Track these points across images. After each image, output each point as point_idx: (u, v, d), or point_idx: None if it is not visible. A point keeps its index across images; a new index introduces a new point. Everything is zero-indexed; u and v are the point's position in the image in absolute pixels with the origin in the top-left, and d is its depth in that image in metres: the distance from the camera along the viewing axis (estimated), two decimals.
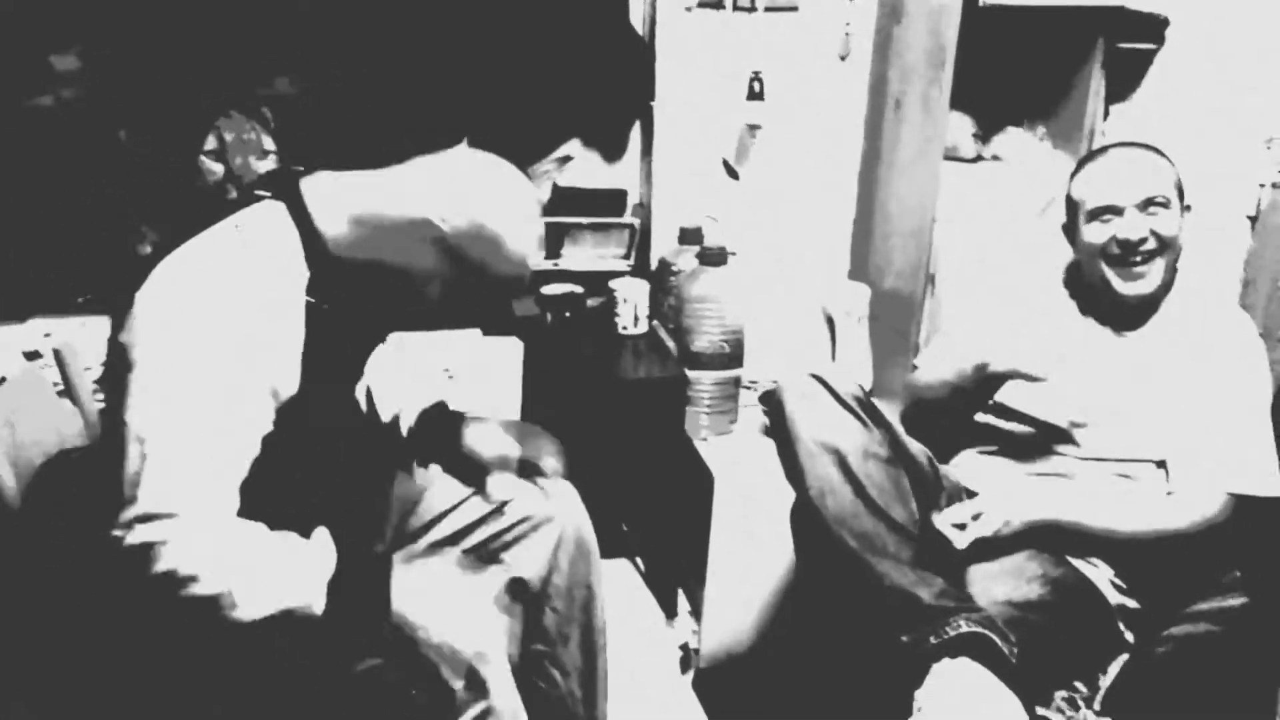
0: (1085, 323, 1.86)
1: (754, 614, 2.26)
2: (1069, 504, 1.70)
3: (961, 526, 1.65)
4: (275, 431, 1.26)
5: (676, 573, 2.43)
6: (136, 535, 1.16)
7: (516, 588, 1.66)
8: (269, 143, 2.31)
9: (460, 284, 1.33)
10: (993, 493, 1.70)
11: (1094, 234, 1.76)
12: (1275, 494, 1.70)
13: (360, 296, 1.33)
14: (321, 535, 1.29)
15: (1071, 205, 1.82)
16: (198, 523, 1.18)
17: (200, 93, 2.24)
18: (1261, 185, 2.49)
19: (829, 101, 2.61)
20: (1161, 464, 1.75)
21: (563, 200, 2.51)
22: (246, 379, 1.22)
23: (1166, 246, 1.73)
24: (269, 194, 1.29)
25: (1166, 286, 1.78)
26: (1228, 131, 2.48)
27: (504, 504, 1.68)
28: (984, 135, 2.57)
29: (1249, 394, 1.74)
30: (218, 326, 1.20)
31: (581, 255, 2.53)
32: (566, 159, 2.54)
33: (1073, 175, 1.84)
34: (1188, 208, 1.76)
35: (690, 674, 2.27)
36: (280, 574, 1.23)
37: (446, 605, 1.32)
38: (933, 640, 1.48)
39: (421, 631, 1.27)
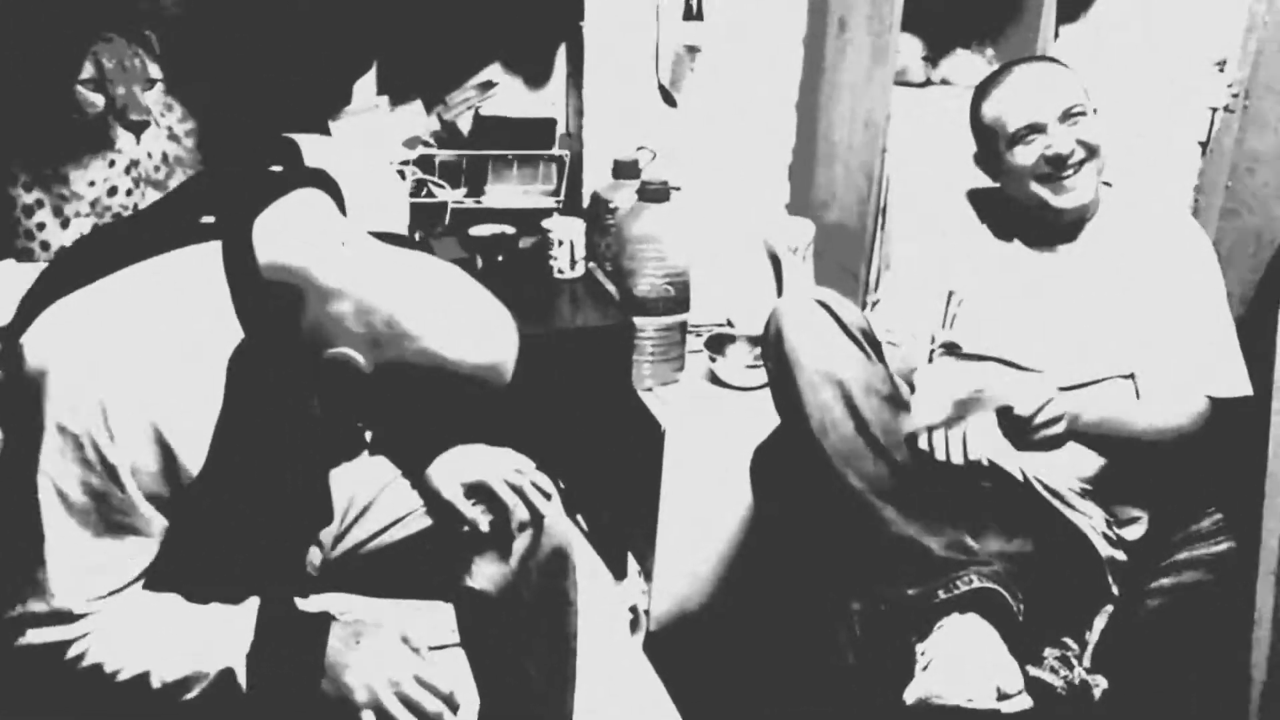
0: (1011, 247, 1.82)
1: (707, 572, 2.18)
2: (1117, 401, 1.66)
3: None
4: (177, 518, 1.13)
5: (624, 531, 2.31)
6: (44, 634, 1.08)
7: (475, 600, 1.50)
8: (155, 70, 2.05)
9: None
10: (1043, 385, 1.58)
11: (1021, 156, 1.72)
12: (1247, 393, 1.70)
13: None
14: (250, 604, 1.17)
15: (985, 131, 1.78)
16: (113, 617, 1.10)
17: (74, 13, 1.98)
18: (1213, 109, 2.43)
19: (771, 21, 2.45)
20: (1129, 378, 1.71)
21: (486, 130, 2.31)
22: (164, 466, 1.08)
23: (1093, 153, 1.70)
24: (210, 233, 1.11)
25: (1096, 194, 1.75)
26: (1179, 54, 2.41)
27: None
28: (933, 58, 2.44)
29: (1208, 296, 1.72)
30: (138, 414, 1.04)
31: (507, 192, 2.34)
32: (489, 85, 2.34)
33: (977, 101, 1.80)
34: (1093, 109, 1.74)
35: (640, 635, 2.17)
36: (200, 645, 1.12)
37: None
38: (942, 594, 1.43)
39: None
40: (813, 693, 1.85)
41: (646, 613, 2.20)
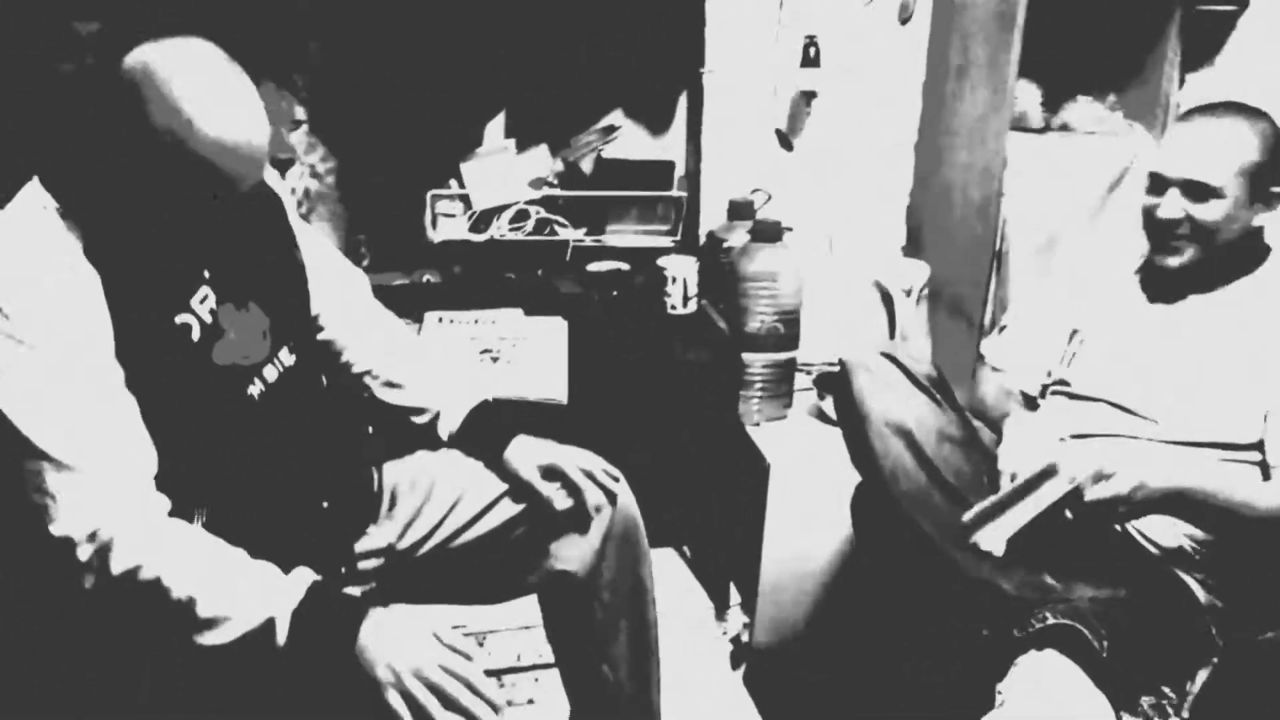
0: (1158, 290, 1.74)
1: (808, 605, 2.19)
2: (1208, 471, 1.57)
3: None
4: (137, 387, 1.22)
5: (727, 563, 2.34)
6: (85, 550, 1.15)
7: (561, 579, 1.58)
8: (300, 112, 2.23)
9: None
10: (1124, 452, 1.55)
11: (1144, 200, 1.65)
12: None
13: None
14: (301, 572, 1.24)
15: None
16: (140, 525, 1.18)
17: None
18: None
19: (888, 68, 2.50)
20: (1256, 447, 1.63)
21: (607, 172, 2.41)
22: (82, 331, 1.18)
23: (1203, 234, 1.59)
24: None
25: (1208, 264, 1.64)
26: None
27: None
28: (1052, 104, 2.44)
29: None
30: (34, 296, 1.16)
31: (626, 231, 2.43)
32: (611, 129, 2.44)
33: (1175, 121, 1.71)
34: (1276, 196, 1.60)
35: (741, 669, 2.19)
36: (247, 591, 1.20)
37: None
38: (1016, 633, 1.40)
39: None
40: None
41: (748, 645, 2.21)
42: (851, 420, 1.61)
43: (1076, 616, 1.39)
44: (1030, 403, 1.90)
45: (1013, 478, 1.51)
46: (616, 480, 1.58)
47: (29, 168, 1.24)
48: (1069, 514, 1.49)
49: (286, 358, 1.40)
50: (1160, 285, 1.73)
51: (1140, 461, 1.49)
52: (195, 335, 1.28)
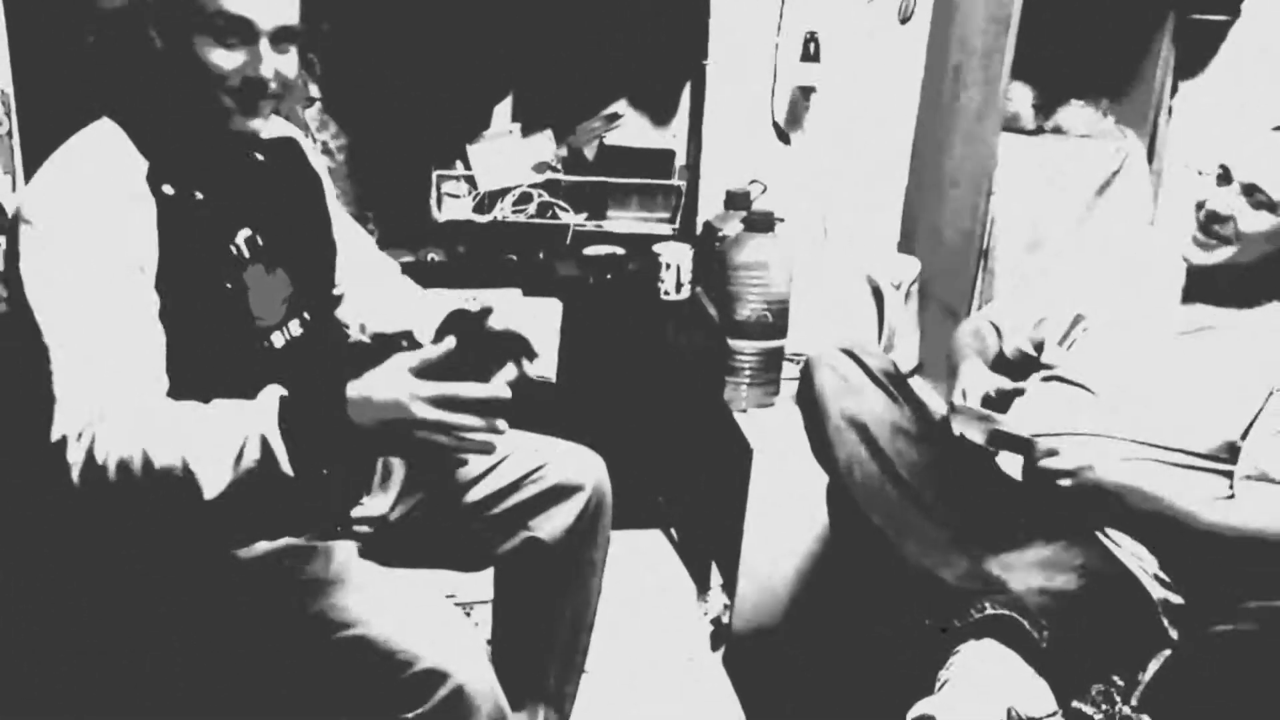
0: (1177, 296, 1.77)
1: (788, 591, 2.24)
2: (1158, 476, 1.61)
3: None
4: (168, 317, 1.27)
5: (710, 545, 2.41)
6: (76, 448, 1.16)
7: (533, 546, 1.65)
8: (314, 89, 2.29)
9: None
10: (1078, 438, 1.61)
11: (1202, 189, 1.66)
12: None
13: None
14: (269, 390, 1.23)
15: None
16: (129, 410, 1.18)
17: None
18: None
19: (887, 65, 2.55)
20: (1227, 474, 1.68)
21: (609, 159, 2.47)
22: (128, 262, 1.24)
23: (1239, 239, 1.63)
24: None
25: (1234, 275, 1.67)
26: None
27: (536, 469, 1.66)
28: (1046, 107, 2.49)
29: None
30: (97, 218, 1.23)
31: (626, 217, 2.49)
32: (615, 117, 2.50)
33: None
34: None
35: (721, 650, 2.25)
36: (228, 427, 1.17)
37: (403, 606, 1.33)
38: (957, 623, 1.44)
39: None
40: (883, 712, 1.89)
41: (728, 626, 2.27)
42: (812, 414, 1.67)
43: (1015, 607, 1.43)
44: (1002, 360, 1.93)
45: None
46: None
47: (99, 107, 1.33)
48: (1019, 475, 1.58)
49: (295, 328, 1.45)
50: (1186, 289, 1.75)
51: (1095, 449, 1.56)
52: (227, 284, 1.35)
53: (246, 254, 1.38)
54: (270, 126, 1.40)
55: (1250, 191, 1.61)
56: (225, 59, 1.26)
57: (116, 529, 1.33)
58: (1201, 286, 1.73)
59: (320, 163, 1.62)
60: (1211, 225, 1.64)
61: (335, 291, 1.63)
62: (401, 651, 1.29)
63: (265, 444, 1.15)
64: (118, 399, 1.18)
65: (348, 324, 1.67)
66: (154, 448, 1.15)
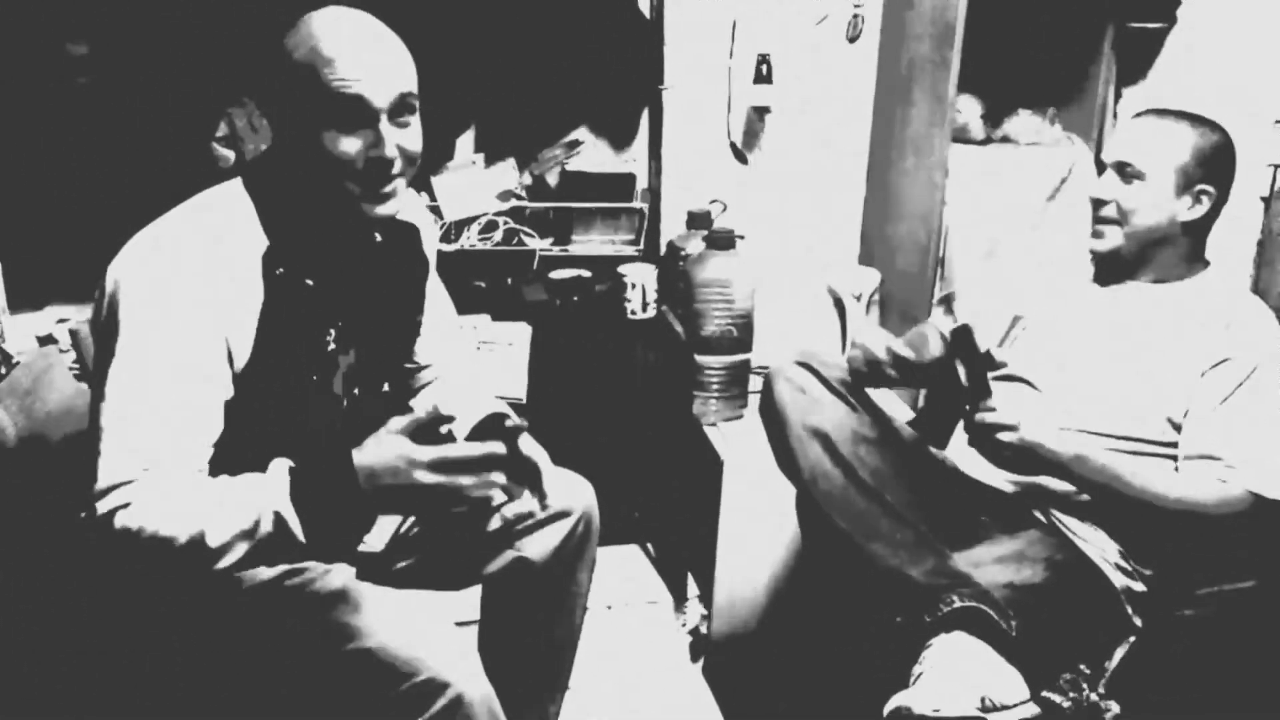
0: (1086, 287, 1.85)
1: (763, 599, 2.27)
2: (1108, 453, 1.65)
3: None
4: (237, 401, 1.29)
5: (686, 557, 2.44)
6: (103, 505, 1.19)
7: (520, 566, 1.67)
8: None
9: None
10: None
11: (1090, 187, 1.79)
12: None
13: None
14: (278, 462, 1.26)
15: None
16: (156, 479, 1.21)
17: (212, 80, 2.24)
18: (1274, 166, 2.47)
19: (838, 84, 2.61)
20: (1168, 450, 1.73)
21: (572, 185, 2.52)
22: (210, 346, 1.26)
23: (1124, 217, 1.71)
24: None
25: (1133, 255, 1.74)
26: (1240, 111, 2.44)
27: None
28: (994, 117, 2.55)
29: (1273, 394, 1.68)
30: (185, 296, 1.24)
31: (591, 240, 2.53)
32: (575, 144, 2.55)
33: None
34: (1204, 192, 1.70)
35: (700, 661, 2.28)
36: (243, 502, 1.21)
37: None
38: (927, 618, 1.48)
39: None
40: (863, 711, 1.92)
41: (707, 637, 2.30)
42: (774, 427, 1.70)
43: (983, 599, 1.47)
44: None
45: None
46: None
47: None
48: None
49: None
50: (1099, 277, 1.82)
51: (1027, 415, 1.59)
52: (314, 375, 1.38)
53: (333, 343, 1.40)
54: (402, 203, 1.35)
55: (1121, 169, 1.71)
56: (348, 144, 1.25)
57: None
58: (1118, 270, 1.79)
59: (433, 245, 1.62)
60: (1098, 212, 1.73)
61: (413, 364, 1.65)
62: (403, 662, 1.31)
63: (279, 518, 1.20)
64: (149, 481, 1.21)
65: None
66: (173, 528, 1.19)
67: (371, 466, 1.20)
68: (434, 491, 1.20)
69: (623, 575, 2.51)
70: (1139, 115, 1.78)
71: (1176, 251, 1.76)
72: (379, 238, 1.47)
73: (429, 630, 1.38)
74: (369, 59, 1.26)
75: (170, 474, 1.23)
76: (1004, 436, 1.56)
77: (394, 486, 1.20)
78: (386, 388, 1.51)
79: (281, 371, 1.32)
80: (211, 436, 1.28)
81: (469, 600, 1.77)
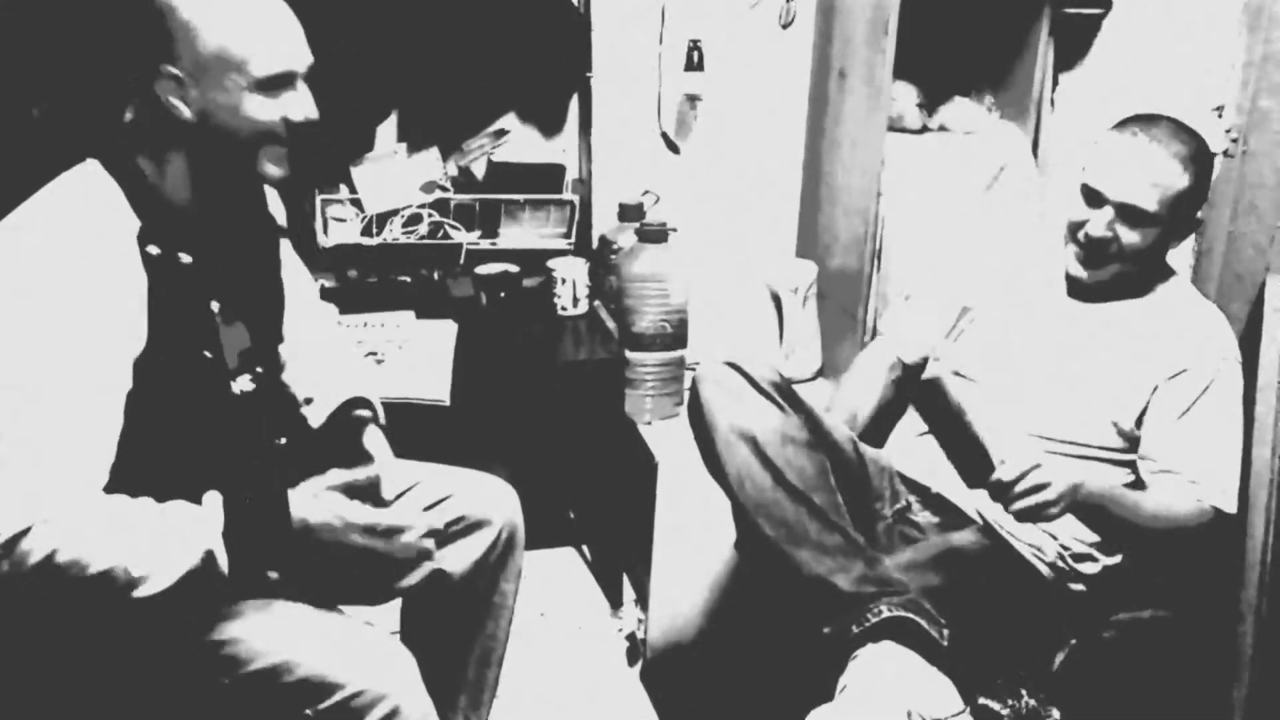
0: (1049, 290, 1.82)
1: (700, 601, 2.22)
2: (1120, 487, 1.64)
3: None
4: (136, 391, 1.24)
5: (622, 560, 2.38)
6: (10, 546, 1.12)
7: (439, 579, 1.59)
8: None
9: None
10: (1044, 460, 1.55)
11: (1075, 209, 1.70)
12: (1232, 511, 1.66)
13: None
14: (211, 497, 1.23)
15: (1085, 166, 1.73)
16: (69, 511, 1.15)
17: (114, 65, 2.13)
18: (1212, 154, 2.45)
19: (771, 72, 2.56)
20: (1127, 465, 1.71)
21: (499, 176, 2.44)
22: (97, 342, 1.20)
23: (1126, 256, 1.67)
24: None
25: (1124, 279, 1.72)
26: (1178, 99, 2.43)
27: (441, 500, 1.62)
28: (930, 105, 2.51)
29: (1229, 406, 1.69)
30: (57, 293, 1.18)
31: (520, 233, 2.45)
32: (502, 133, 2.46)
33: (1104, 135, 1.72)
34: (1199, 222, 1.69)
35: (638, 665, 2.23)
36: (173, 537, 1.18)
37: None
38: (854, 629, 1.44)
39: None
40: None
41: (643, 641, 2.25)
42: (701, 430, 1.65)
43: (912, 608, 1.44)
44: (907, 370, 1.94)
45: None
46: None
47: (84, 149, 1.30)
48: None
49: (246, 383, 1.43)
50: (1073, 293, 1.79)
51: (1071, 472, 1.53)
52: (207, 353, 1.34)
53: (219, 305, 1.36)
54: None
55: (1126, 213, 1.64)
56: (269, 111, 1.30)
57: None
58: (1099, 292, 1.76)
59: (279, 208, 1.61)
60: (1099, 250, 1.68)
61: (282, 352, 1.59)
62: (328, 676, 1.27)
63: (209, 555, 1.18)
64: (59, 500, 1.15)
65: (293, 390, 1.62)
66: (93, 552, 1.14)
67: (306, 520, 1.23)
68: (364, 552, 1.26)
69: (557, 579, 2.45)
70: (1122, 132, 1.68)
71: (1153, 268, 1.74)
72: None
73: (356, 640, 1.34)
74: (286, 28, 1.32)
75: (84, 497, 1.17)
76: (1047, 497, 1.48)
77: (326, 542, 1.25)
78: (252, 383, 1.45)
79: (177, 352, 1.28)
80: (114, 435, 1.22)
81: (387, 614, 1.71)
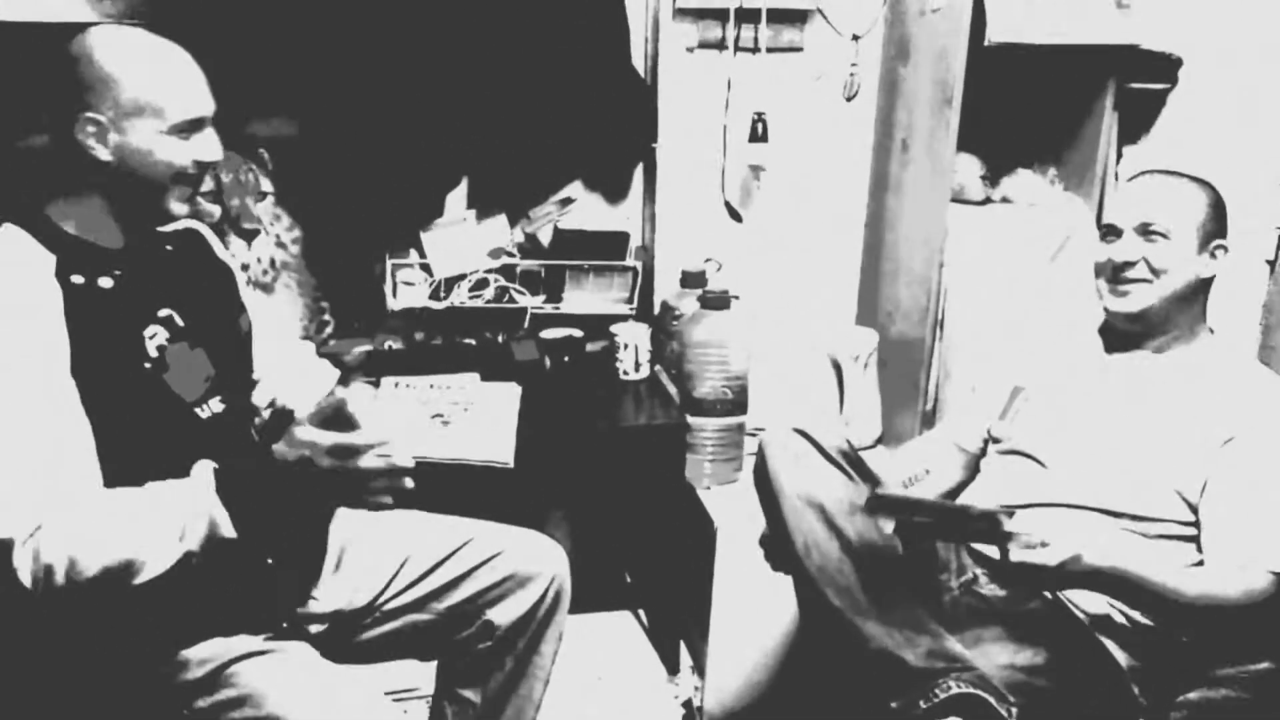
0: (1103, 355, 1.82)
1: (758, 670, 2.21)
2: (1139, 557, 1.59)
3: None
4: (94, 403, 1.31)
5: (679, 626, 2.37)
6: (22, 553, 1.22)
7: (485, 629, 1.65)
8: (266, 184, 2.29)
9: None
10: (1065, 527, 1.59)
11: (1099, 252, 1.75)
12: None
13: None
14: (201, 466, 1.31)
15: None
16: (67, 511, 1.24)
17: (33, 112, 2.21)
18: (1279, 228, 2.44)
19: (834, 143, 2.59)
20: (1180, 522, 1.67)
21: (564, 243, 2.48)
22: (44, 356, 1.29)
23: (1156, 275, 1.68)
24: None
25: (1161, 316, 1.72)
26: (1243, 173, 2.41)
27: (492, 557, 1.66)
28: (993, 177, 2.52)
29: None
30: (7, 317, 1.27)
31: (584, 299, 2.49)
32: (568, 201, 2.51)
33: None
34: (1220, 248, 1.70)
35: None
36: (170, 506, 1.27)
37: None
38: (922, 704, 1.41)
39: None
40: None
41: (700, 709, 2.23)
42: (767, 495, 1.64)
43: (981, 685, 1.41)
44: (969, 457, 1.94)
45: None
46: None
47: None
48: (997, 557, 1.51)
49: (216, 405, 1.49)
50: (1107, 342, 1.80)
51: (1080, 537, 1.51)
52: (145, 364, 1.40)
53: (167, 333, 1.44)
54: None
55: (1145, 230, 1.68)
56: (183, 154, 1.40)
57: (64, 628, 1.36)
58: (1134, 335, 1.76)
59: (228, 255, 1.71)
60: (1125, 274, 1.70)
61: (254, 375, 1.68)
62: None
63: (211, 521, 1.26)
64: (54, 501, 1.24)
65: (259, 405, 1.69)
66: (96, 544, 1.23)
67: (284, 454, 1.28)
68: (336, 473, 1.28)
69: (613, 643, 2.44)
70: (1136, 178, 1.77)
71: (1190, 313, 1.74)
72: (169, 248, 1.56)
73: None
74: (195, 77, 1.42)
75: (77, 495, 1.26)
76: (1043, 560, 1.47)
77: (307, 473, 1.28)
78: (221, 404, 1.52)
79: (106, 365, 1.34)
80: (88, 437, 1.30)
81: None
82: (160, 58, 1.39)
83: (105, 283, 1.38)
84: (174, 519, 1.26)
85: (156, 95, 1.37)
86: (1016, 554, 1.47)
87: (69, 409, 1.29)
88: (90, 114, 1.34)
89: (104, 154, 1.36)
